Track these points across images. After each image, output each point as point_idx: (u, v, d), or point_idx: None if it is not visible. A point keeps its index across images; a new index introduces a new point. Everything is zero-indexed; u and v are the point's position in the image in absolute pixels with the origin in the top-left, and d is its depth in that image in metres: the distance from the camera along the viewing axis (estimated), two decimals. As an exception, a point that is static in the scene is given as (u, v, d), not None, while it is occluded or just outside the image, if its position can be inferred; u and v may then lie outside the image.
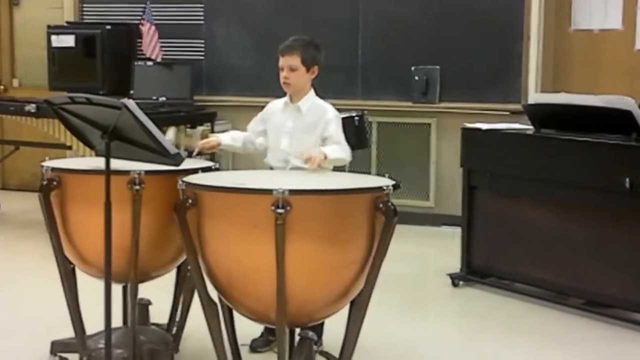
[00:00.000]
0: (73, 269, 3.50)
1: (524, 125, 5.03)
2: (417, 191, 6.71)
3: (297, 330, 3.15)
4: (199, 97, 7.14)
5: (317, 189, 2.97)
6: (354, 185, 3.14)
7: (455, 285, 4.99)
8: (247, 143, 3.81)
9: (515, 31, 6.39)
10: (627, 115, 4.28)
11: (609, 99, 4.41)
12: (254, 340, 3.81)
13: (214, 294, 3.09)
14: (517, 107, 5.97)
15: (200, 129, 6.61)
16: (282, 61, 3.63)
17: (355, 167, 6.51)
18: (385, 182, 3.06)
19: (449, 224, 6.38)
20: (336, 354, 3.20)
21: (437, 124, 6.66)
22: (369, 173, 6.54)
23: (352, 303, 3.06)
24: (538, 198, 4.66)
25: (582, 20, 6.38)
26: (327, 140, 3.58)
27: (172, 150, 2.96)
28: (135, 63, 7.12)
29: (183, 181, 3.02)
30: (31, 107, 6.01)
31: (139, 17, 7.18)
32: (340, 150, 3.57)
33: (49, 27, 7.22)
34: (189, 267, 3.22)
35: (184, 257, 3.41)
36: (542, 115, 4.78)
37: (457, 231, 5.18)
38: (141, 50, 7.18)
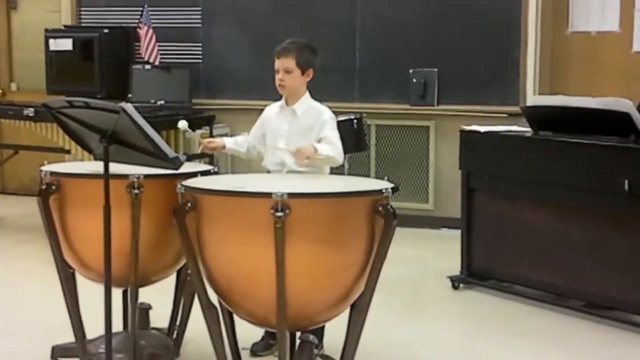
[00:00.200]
0: (73, 274, 3.50)
1: (522, 128, 5.03)
2: (416, 194, 6.71)
3: (298, 333, 3.15)
4: (197, 100, 7.14)
5: (316, 192, 2.97)
6: (353, 188, 3.13)
7: (455, 287, 4.98)
8: (251, 148, 3.85)
9: (513, 33, 6.39)
10: (624, 117, 4.28)
11: (606, 101, 4.42)
12: (254, 344, 3.80)
13: (214, 297, 3.08)
14: (515, 109, 5.97)
15: (199, 132, 6.60)
16: (278, 63, 3.65)
17: (354, 169, 6.57)
18: (384, 185, 3.06)
19: (448, 226, 6.38)
20: (337, 357, 3.19)
21: (436, 127, 6.66)
22: (368, 176, 6.55)
23: (352, 306, 3.06)
24: (537, 200, 4.66)
25: (579, 22, 6.39)
26: (322, 141, 3.59)
27: (171, 154, 2.96)
28: (133, 66, 7.13)
29: (182, 185, 3.02)
30: (29, 111, 6.01)
31: (137, 21, 7.17)
32: (332, 150, 3.56)
33: (46, 30, 7.23)
34: (188, 271, 3.22)
35: (183, 261, 3.41)
36: (540, 117, 4.78)
37: (457, 234, 5.18)
38: (139, 53, 7.18)
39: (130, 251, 3.28)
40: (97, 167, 3.10)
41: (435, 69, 6.56)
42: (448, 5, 6.57)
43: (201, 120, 6.77)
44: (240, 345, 3.27)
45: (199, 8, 7.21)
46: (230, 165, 6.94)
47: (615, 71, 6.20)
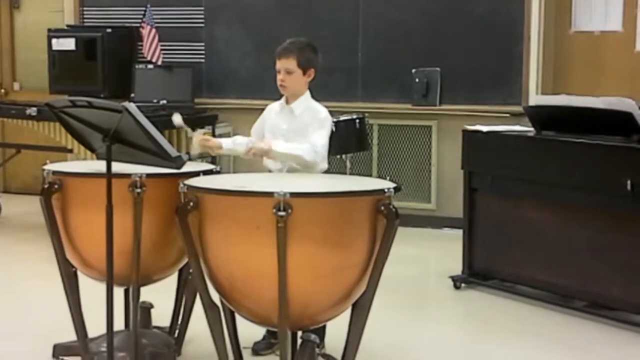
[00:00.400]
0: (75, 272, 3.50)
1: (524, 127, 5.03)
2: (418, 194, 6.71)
3: (299, 333, 3.14)
4: (199, 99, 7.15)
5: (318, 192, 2.97)
6: (355, 188, 3.13)
7: (457, 287, 4.98)
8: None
9: (516, 33, 6.39)
10: (627, 116, 4.28)
11: (609, 101, 4.41)
12: (256, 343, 3.80)
13: (215, 296, 3.08)
14: (518, 109, 5.97)
15: (201, 131, 6.59)
16: (279, 64, 3.64)
17: (356, 169, 6.57)
18: (386, 184, 3.06)
19: (450, 226, 6.38)
20: (339, 356, 3.19)
21: (438, 126, 6.66)
22: (370, 175, 6.55)
23: (354, 306, 3.06)
24: (539, 200, 4.65)
25: (582, 21, 6.38)
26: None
27: (174, 153, 2.96)
28: (136, 66, 7.14)
29: (184, 184, 3.02)
30: (32, 111, 6.03)
31: (140, 20, 7.18)
32: (300, 149, 3.49)
33: (49, 30, 7.23)
34: (190, 270, 3.22)
35: (185, 260, 3.42)
36: (542, 117, 4.78)
37: (459, 233, 5.17)
38: (142, 53, 7.19)
39: (132, 250, 3.28)
40: (100, 166, 3.11)
41: (438, 69, 6.56)
42: (450, 5, 6.56)
43: (204, 120, 6.77)
44: (242, 344, 3.28)
45: (202, 8, 7.21)
46: (233, 164, 6.94)
47: (618, 71, 6.19)
